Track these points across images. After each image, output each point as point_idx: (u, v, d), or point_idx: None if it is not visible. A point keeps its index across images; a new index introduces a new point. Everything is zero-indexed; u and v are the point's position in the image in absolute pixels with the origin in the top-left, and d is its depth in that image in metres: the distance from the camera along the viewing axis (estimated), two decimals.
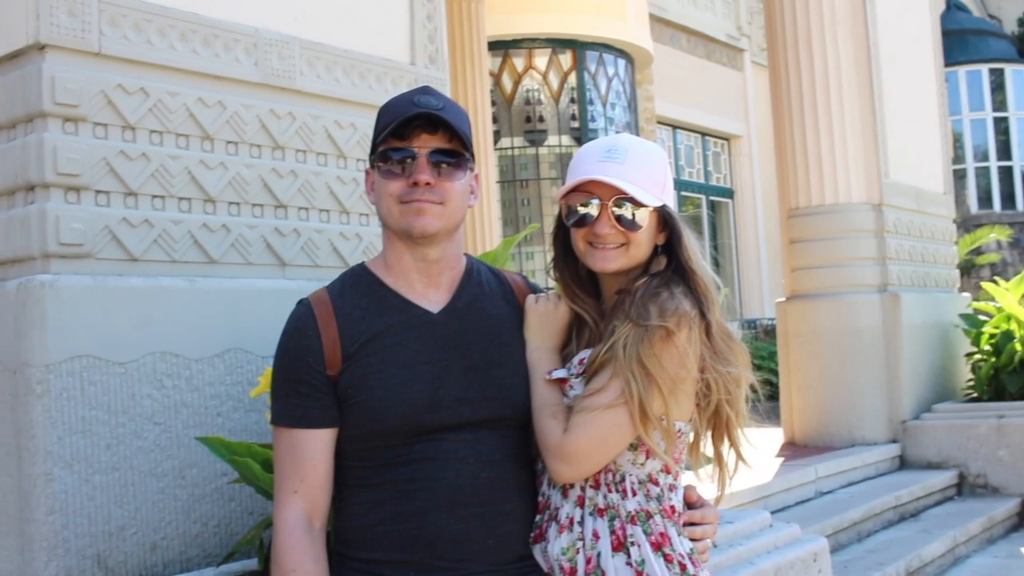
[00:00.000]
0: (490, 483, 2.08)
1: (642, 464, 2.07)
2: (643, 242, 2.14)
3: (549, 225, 11.37)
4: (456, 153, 2.13)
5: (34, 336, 2.63)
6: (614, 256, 2.12)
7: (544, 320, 2.19)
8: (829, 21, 7.43)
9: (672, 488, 2.11)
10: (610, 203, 2.09)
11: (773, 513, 5.27)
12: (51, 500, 2.61)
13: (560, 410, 2.07)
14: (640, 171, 2.11)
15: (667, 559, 2.03)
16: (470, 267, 2.24)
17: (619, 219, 2.10)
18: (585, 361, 2.09)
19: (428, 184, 2.08)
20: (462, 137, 2.12)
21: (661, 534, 2.05)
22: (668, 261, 2.14)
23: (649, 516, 2.06)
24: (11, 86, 2.80)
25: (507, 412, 2.11)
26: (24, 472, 2.63)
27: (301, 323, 2.12)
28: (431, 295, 2.17)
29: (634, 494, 2.06)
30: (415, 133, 2.10)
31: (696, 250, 2.12)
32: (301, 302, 2.17)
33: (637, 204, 2.09)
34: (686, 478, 2.21)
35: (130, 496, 2.76)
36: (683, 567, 2.04)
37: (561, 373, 2.12)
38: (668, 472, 2.10)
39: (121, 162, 2.86)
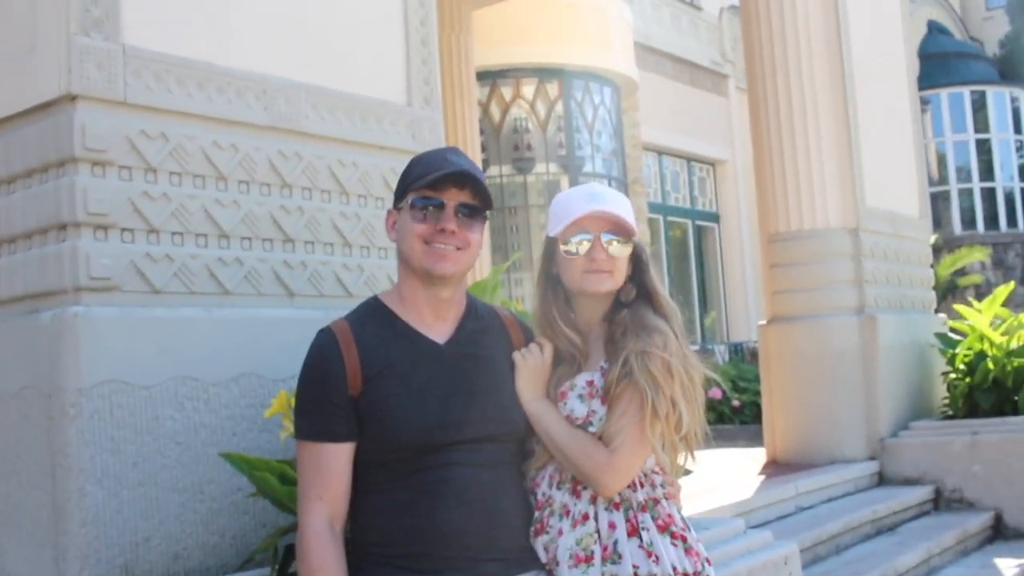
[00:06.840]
0: (491, 483, 2.38)
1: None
2: (623, 268, 2.53)
3: (538, 249, 11.56)
4: (477, 208, 2.46)
5: (68, 363, 2.87)
6: (607, 279, 2.50)
7: (535, 373, 2.51)
8: (805, 51, 7.68)
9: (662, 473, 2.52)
10: (600, 234, 2.49)
11: (753, 527, 5.51)
12: (84, 514, 2.85)
13: (593, 439, 2.42)
14: (619, 210, 2.51)
15: (673, 536, 2.42)
16: (471, 303, 2.58)
17: (608, 246, 2.49)
18: (596, 383, 2.46)
19: (452, 232, 2.41)
20: (484, 194, 2.46)
21: (668, 515, 2.45)
22: (636, 289, 2.55)
23: (656, 502, 2.46)
24: (44, 133, 3.05)
25: (504, 429, 2.44)
26: (59, 488, 2.87)
27: (326, 349, 2.41)
28: (438, 327, 2.48)
29: (641, 486, 2.46)
30: (446, 187, 2.41)
31: (657, 276, 2.57)
32: (324, 330, 2.45)
33: (624, 236, 2.50)
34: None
35: (154, 510, 2.99)
36: (684, 539, 2.43)
37: (581, 411, 2.45)
38: (659, 465, 2.49)
39: (144, 202, 3.11)
